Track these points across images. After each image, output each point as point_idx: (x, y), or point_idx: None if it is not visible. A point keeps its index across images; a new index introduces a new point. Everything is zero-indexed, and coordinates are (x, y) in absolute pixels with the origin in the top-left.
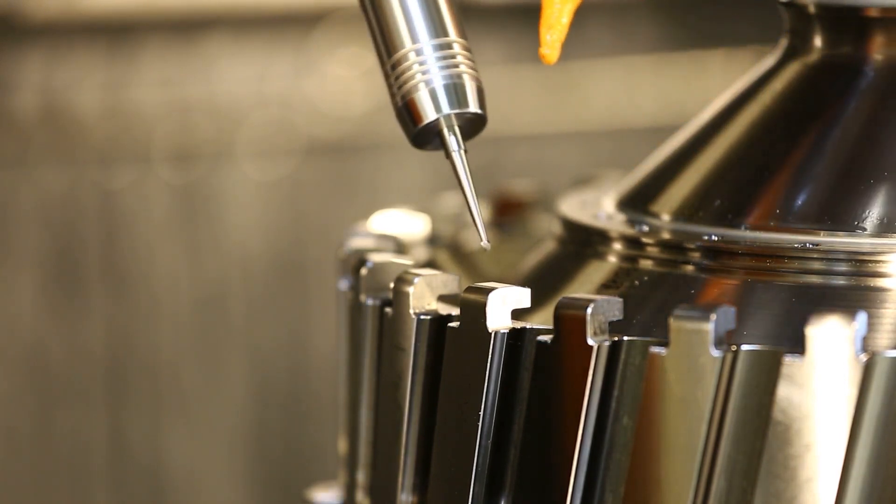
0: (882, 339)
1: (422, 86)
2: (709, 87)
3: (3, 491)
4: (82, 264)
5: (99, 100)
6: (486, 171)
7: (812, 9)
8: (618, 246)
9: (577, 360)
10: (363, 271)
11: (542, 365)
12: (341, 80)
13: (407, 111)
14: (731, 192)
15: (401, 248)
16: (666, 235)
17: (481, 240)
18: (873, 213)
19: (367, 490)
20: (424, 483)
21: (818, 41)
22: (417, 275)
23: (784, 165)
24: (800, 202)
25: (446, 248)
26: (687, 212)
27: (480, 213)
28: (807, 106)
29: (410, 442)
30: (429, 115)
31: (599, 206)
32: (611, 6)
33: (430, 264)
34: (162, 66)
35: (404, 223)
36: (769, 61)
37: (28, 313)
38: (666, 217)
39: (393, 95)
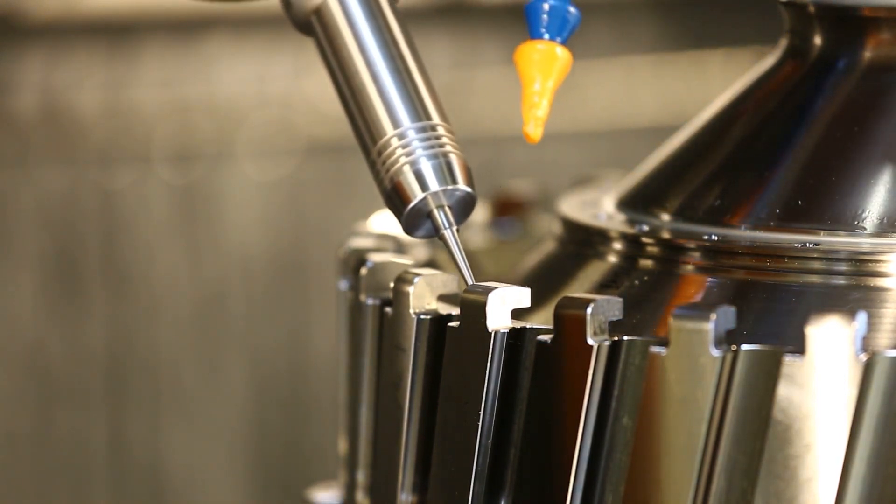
0: (882, 339)
1: (406, 167)
2: (709, 87)
3: (3, 491)
4: (82, 264)
5: (99, 100)
6: (486, 171)
7: (812, 9)
8: (618, 246)
9: (577, 359)
10: (363, 271)
11: (542, 365)
12: None
13: (395, 193)
14: (731, 192)
15: (401, 247)
16: (666, 235)
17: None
18: (873, 213)
19: (367, 490)
20: (424, 483)
21: (818, 41)
22: (417, 274)
23: (784, 165)
24: (800, 202)
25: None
26: (687, 212)
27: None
28: (806, 106)
29: (410, 442)
30: (416, 194)
31: (599, 206)
32: (611, 6)
33: (430, 264)
34: (162, 67)
35: None
36: (769, 61)
37: (28, 313)
38: (666, 217)
39: (380, 183)
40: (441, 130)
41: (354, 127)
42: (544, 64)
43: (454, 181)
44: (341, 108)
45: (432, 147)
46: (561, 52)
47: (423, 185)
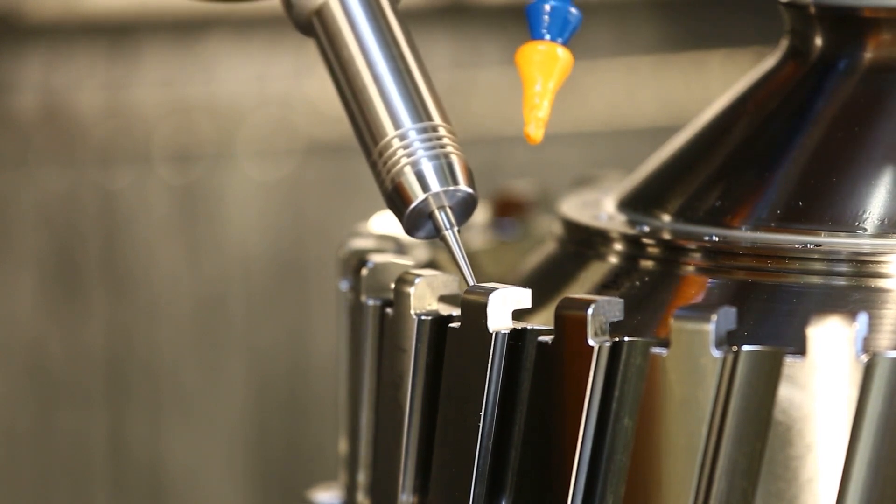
0: (883, 340)
1: (408, 168)
2: (709, 88)
3: (3, 491)
4: (82, 264)
5: (99, 100)
6: (486, 171)
7: (812, 9)
8: (618, 246)
9: (577, 360)
10: (364, 272)
11: (543, 366)
12: None
13: (396, 194)
14: (732, 193)
15: (401, 248)
16: (666, 236)
17: None
18: (874, 214)
19: (368, 491)
20: (425, 484)
21: (818, 42)
22: (418, 275)
23: (784, 166)
24: (800, 203)
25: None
26: (687, 212)
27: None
28: (807, 106)
29: (411, 442)
30: (417, 194)
31: (600, 207)
32: (611, 6)
33: (431, 265)
34: (162, 67)
35: None
36: (769, 62)
37: (28, 313)
38: (666, 217)
39: (381, 183)
40: (442, 131)
41: (356, 128)
42: (545, 65)
43: (455, 182)
44: (342, 108)
45: (433, 148)
46: (562, 53)
47: (425, 186)
